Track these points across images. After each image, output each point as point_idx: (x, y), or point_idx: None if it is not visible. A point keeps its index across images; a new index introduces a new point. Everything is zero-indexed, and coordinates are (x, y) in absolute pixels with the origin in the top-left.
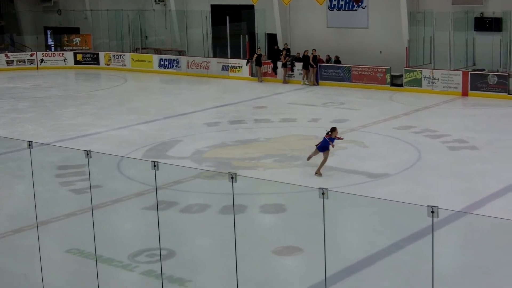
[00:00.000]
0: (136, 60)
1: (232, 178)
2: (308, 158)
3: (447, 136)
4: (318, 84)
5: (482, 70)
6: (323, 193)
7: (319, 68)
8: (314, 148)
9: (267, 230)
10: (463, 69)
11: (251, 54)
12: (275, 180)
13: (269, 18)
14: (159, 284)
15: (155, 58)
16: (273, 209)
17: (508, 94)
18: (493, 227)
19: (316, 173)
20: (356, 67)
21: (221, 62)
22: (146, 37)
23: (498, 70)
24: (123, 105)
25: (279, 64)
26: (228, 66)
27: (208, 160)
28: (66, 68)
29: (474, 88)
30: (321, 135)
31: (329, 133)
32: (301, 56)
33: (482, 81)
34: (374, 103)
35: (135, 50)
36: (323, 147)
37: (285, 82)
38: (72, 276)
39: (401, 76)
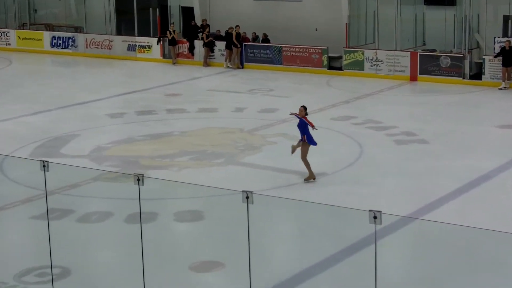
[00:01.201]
0: (23, 38)
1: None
2: (293, 151)
3: (393, 128)
4: (242, 67)
5: (433, 50)
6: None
7: (244, 48)
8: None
9: (182, 241)
10: (411, 50)
11: (163, 31)
12: (192, 182)
13: None
14: None
15: (46, 35)
16: (189, 217)
17: (463, 78)
18: (445, 234)
19: (309, 179)
20: (288, 47)
21: (126, 41)
22: (35, 10)
23: (451, 51)
24: (7, 92)
25: (198, 43)
26: (135, 45)
27: (110, 158)
28: None
29: (424, 71)
30: (247, 126)
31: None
32: (223, 34)
33: (434, 63)
34: (309, 90)
35: (22, 26)
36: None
37: (206, 65)
38: None
39: (340, 57)
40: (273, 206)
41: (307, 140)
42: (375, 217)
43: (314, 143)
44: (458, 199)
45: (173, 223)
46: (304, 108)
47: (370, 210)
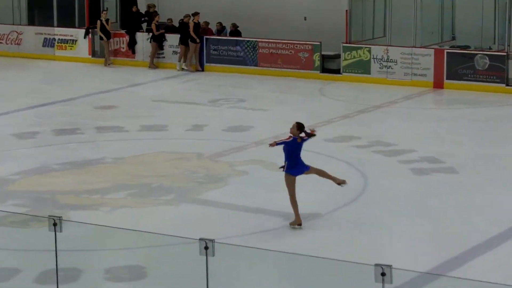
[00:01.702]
0: None
1: (55, 224)
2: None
3: (410, 153)
4: (203, 70)
5: (466, 47)
6: (206, 247)
7: (205, 44)
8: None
9: None
10: (435, 46)
11: (92, 20)
12: (130, 227)
13: None
14: None
15: None
16: (127, 275)
17: (506, 85)
18: None
19: (294, 224)
20: (266, 42)
21: (41, 34)
22: None
23: (490, 48)
24: None
25: (141, 36)
26: (54, 40)
27: (17, 195)
28: None
29: (452, 75)
30: (208, 150)
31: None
32: (175, 24)
33: (466, 64)
34: (294, 100)
35: None
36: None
37: (153, 66)
38: None
39: (338, 57)
40: (242, 260)
41: (286, 167)
42: (383, 274)
43: (295, 171)
44: (499, 248)
45: (104, 284)
46: (299, 126)
47: (376, 265)
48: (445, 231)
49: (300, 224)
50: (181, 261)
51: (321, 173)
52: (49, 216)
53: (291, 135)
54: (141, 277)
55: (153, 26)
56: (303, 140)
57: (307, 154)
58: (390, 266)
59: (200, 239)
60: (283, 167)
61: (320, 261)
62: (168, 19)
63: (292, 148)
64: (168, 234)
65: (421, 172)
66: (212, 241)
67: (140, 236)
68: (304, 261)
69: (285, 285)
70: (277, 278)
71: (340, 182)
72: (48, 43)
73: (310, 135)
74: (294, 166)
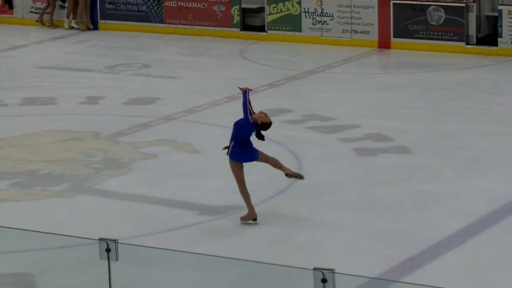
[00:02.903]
0: None
1: None
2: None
3: (353, 129)
4: (96, 28)
5: None
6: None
7: None
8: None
9: None
10: None
11: None
12: (12, 225)
13: None
14: None
15: None
16: (10, 285)
17: (466, 44)
18: None
19: (248, 219)
20: None
21: None
22: None
23: None
24: None
25: None
26: None
27: None
28: None
29: (401, 32)
30: (106, 128)
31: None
32: None
33: (417, 19)
34: (210, 65)
35: None
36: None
37: (52, 25)
38: None
39: (261, 10)
40: (153, 264)
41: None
42: (324, 280)
43: (240, 159)
44: (463, 247)
45: None
46: (265, 124)
47: (316, 269)
48: (397, 227)
49: (255, 219)
50: (77, 267)
51: (274, 162)
52: None
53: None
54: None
55: None
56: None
57: (225, 132)
58: (332, 271)
59: (100, 239)
60: (227, 148)
61: (246, 265)
62: None
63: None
64: (60, 234)
65: (366, 152)
66: (115, 241)
67: (26, 237)
68: (226, 264)
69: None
70: (194, 285)
71: (292, 175)
72: None
73: (260, 137)
74: (241, 148)
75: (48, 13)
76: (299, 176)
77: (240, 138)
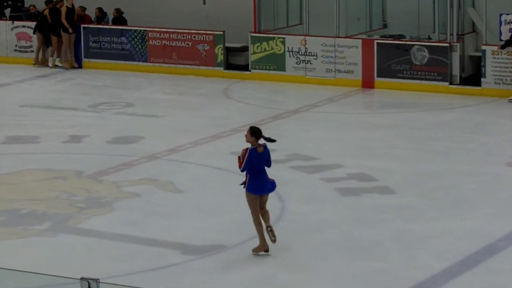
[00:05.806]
0: None
1: None
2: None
3: (336, 168)
4: (80, 67)
5: (401, 37)
6: None
7: (82, 34)
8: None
9: None
10: (363, 36)
11: None
12: None
13: None
14: None
15: None
16: None
17: (450, 84)
18: None
19: (259, 251)
20: (158, 32)
21: None
22: None
23: (429, 38)
24: None
25: (4, 25)
26: None
27: None
28: None
29: (385, 72)
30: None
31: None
32: (40, 11)
33: (401, 58)
34: (193, 104)
35: None
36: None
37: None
38: None
39: (245, 49)
40: None
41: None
42: None
43: (256, 189)
44: (447, 286)
45: None
46: (253, 131)
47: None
48: (380, 267)
49: (267, 250)
50: None
51: (265, 214)
52: None
53: (249, 145)
54: None
55: (46, 15)
56: (265, 148)
57: (209, 171)
58: (97, 280)
59: (82, 279)
60: (244, 183)
61: None
62: (31, 6)
63: (254, 161)
64: (42, 273)
65: (349, 192)
66: (97, 281)
67: (7, 276)
68: None
69: None
70: None
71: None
72: None
73: (270, 140)
74: (256, 182)
75: (24, 50)
76: (271, 240)
77: (250, 169)
